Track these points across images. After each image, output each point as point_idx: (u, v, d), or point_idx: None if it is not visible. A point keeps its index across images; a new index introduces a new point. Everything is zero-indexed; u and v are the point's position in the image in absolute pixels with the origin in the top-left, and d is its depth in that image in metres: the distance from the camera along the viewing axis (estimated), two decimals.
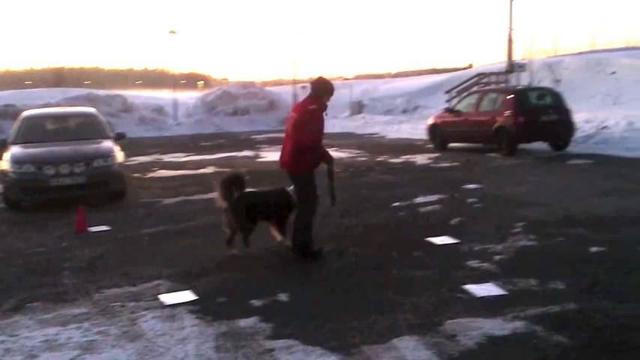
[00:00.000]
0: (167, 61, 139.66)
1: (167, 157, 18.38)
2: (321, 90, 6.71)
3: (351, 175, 12.91)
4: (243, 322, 4.73)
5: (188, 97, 43.40)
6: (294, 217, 6.66)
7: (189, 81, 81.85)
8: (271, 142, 22.66)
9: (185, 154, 19.12)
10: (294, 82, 19.79)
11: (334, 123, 31.62)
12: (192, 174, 14.12)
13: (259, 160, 17.12)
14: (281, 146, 6.82)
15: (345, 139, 22.63)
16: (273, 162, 16.13)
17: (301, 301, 5.20)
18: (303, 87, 35.78)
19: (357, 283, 5.62)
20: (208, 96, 36.32)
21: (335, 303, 5.08)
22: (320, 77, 6.96)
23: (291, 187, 6.78)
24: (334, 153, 17.38)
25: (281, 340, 4.37)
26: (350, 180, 12.22)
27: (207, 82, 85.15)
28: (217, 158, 17.50)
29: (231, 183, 6.74)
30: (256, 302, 5.16)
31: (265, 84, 52.05)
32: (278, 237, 6.92)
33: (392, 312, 4.80)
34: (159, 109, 33.73)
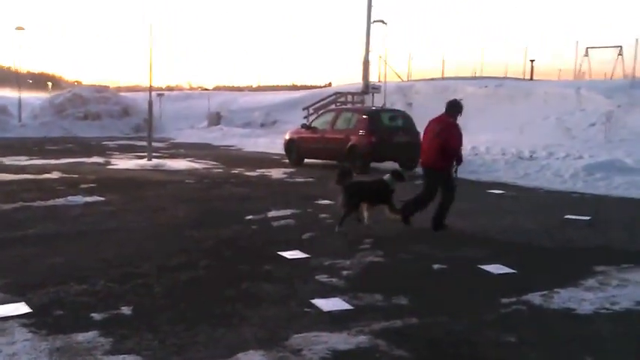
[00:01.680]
0: (13, 58, 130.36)
1: (7, 160, 17.13)
2: (455, 109, 8.73)
3: (205, 187, 12.69)
4: (81, 337, 4.42)
5: (35, 97, 40.81)
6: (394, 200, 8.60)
7: (38, 81, 76.97)
8: (123, 150, 21.83)
9: (28, 158, 17.92)
10: (150, 89, 19.21)
11: (191, 133, 31.13)
12: (34, 179, 13.22)
13: (109, 167, 16.39)
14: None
15: (201, 150, 22.30)
16: (125, 170, 15.60)
17: (145, 314, 4.96)
18: (159, 94, 34.91)
19: (205, 296, 5.48)
20: (57, 98, 34.39)
21: (180, 316, 4.90)
22: (455, 99, 9.00)
23: (387, 176, 8.71)
24: (189, 164, 17.17)
25: (120, 356, 4.13)
26: (204, 192, 12.00)
27: (58, 83, 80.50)
28: (63, 163, 16.54)
29: (345, 173, 8.54)
30: (96, 315, 4.86)
31: (120, 89, 50.08)
32: (389, 214, 8.63)
33: (239, 326, 4.71)
34: (2, 109, 31.41)
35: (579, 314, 5.21)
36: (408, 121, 16.94)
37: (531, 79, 35.05)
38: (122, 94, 39.87)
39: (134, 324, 4.72)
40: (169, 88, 61.08)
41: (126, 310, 5.03)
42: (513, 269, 6.54)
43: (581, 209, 10.37)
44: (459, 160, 8.63)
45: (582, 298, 5.58)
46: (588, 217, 9.62)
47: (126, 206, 10.07)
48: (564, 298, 5.60)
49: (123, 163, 17.32)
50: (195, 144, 25.78)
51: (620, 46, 31.82)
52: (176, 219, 9.13)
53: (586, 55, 33.73)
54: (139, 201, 10.69)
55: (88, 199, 10.58)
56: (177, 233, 8.03)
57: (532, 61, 36.17)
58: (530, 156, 17.47)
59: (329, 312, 5.11)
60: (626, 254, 7.26)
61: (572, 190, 12.95)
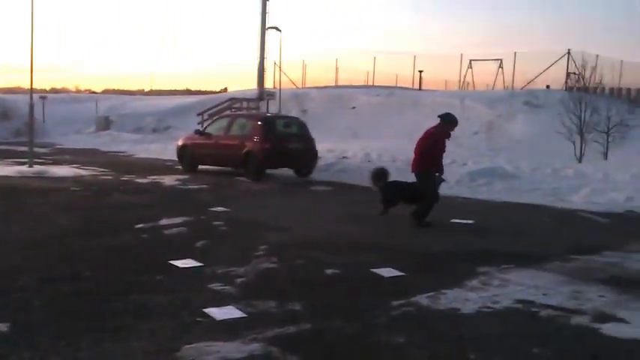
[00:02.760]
0: None
1: None
2: (447, 121, 9.68)
3: (92, 195, 12.19)
4: None
5: None
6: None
7: None
8: (1, 155, 20.49)
9: None
10: (32, 91, 18.28)
11: (77, 138, 29.90)
12: None
13: None
14: None
15: (88, 156, 21.44)
16: (2, 177, 14.63)
17: (23, 330, 4.67)
18: (42, 97, 33.28)
19: (90, 309, 5.24)
20: None
21: (63, 331, 4.65)
22: (448, 113, 9.89)
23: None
24: (75, 170, 16.44)
25: None
26: (91, 200, 11.54)
27: None
28: None
29: (379, 174, 10.15)
30: None
31: None
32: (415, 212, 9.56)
33: (127, 339, 4.54)
34: None
35: (464, 314, 5.44)
36: (302, 127, 17.06)
37: (420, 89, 36.31)
38: (1, 95, 37.61)
39: (11, 341, 4.44)
40: (54, 91, 58.33)
41: (2, 326, 4.71)
42: (403, 272, 6.72)
43: (465, 213, 10.84)
44: (437, 168, 9.77)
45: (466, 298, 5.83)
46: (472, 221, 10.09)
47: (3, 216, 9.50)
48: (450, 298, 5.82)
49: (1, 169, 16.30)
50: (82, 150, 24.74)
51: (501, 60, 33.63)
52: (60, 228, 8.71)
53: (470, 67, 35.39)
54: (18, 210, 10.11)
55: None
56: (61, 243, 7.66)
57: (420, 71, 37.50)
58: None
59: (222, 321, 5.03)
60: (506, 255, 7.65)
61: (458, 195, 13.49)
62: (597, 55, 22.16)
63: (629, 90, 30.39)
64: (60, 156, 21.43)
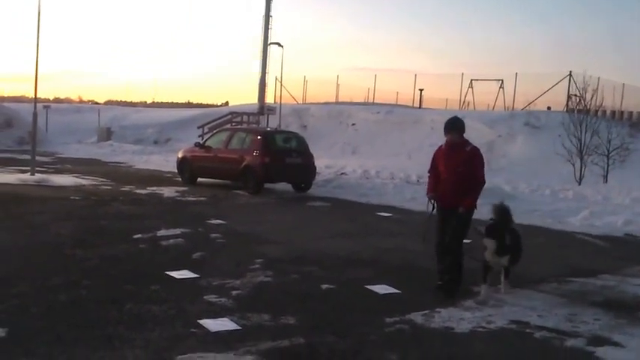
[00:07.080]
0: None
1: None
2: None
3: (92, 204, 12.22)
4: None
5: None
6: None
7: None
8: (4, 163, 20.57)
9: None
10: (35, 100, 18.38)
11: (78, 148, 30.00)
12: None
13: None
14: None
15: (89, 166, 21.49)
16: (4, 184, 14.71)
17: (20, 336, 4.71)
18: (46, 107, 33.48)
19: (87, 317, 5.28)
20: None
21: (58, 339, 4.69)
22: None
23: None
24: (76, 180, 16.49)
25: None
26: (90, 209, 11.56)
27: None
28: None
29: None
30: None
31: (3, 99, 47.43)
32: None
33: (121, 348, 4.58)
34: None
35: (457, 333, 5.45)
36: (301, 143, 17.13)
37: (420, 107, 36.42)
38: (5, 104, 37.78)
39: (8, 347, 4.49)
40: (58, 100, 58.63)
41: (0, 331, 4.75)
42: (398, 289, 6.75)
43: None
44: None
45: (461, 317, 5.85)
46: (469, 240, 10.07)
47: (3, 223, 9.53)
48: (444, 317, 5.84)
49: (3, 177, 16.34)
50: (83, 159, 24.80)
51: (501, 80, 33.69)
52: (58, 237, 8.74)
53: (470, 86, 35.49)
54: (18, 218, 10.15)
55: None
56: (59, 252, 7.70)
57: (421, 90, 37.62)
58: (417, 180, 18.12)
59: (216, 332, 5.06)
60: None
61: None
62: (599, 78, 22.18)
63: (630, 113, 30.48)
64: (61, 165, 21.50)
